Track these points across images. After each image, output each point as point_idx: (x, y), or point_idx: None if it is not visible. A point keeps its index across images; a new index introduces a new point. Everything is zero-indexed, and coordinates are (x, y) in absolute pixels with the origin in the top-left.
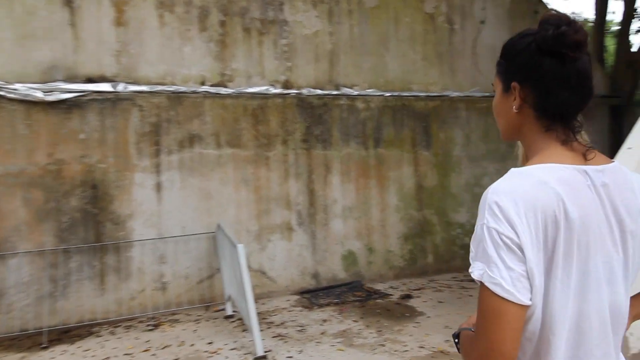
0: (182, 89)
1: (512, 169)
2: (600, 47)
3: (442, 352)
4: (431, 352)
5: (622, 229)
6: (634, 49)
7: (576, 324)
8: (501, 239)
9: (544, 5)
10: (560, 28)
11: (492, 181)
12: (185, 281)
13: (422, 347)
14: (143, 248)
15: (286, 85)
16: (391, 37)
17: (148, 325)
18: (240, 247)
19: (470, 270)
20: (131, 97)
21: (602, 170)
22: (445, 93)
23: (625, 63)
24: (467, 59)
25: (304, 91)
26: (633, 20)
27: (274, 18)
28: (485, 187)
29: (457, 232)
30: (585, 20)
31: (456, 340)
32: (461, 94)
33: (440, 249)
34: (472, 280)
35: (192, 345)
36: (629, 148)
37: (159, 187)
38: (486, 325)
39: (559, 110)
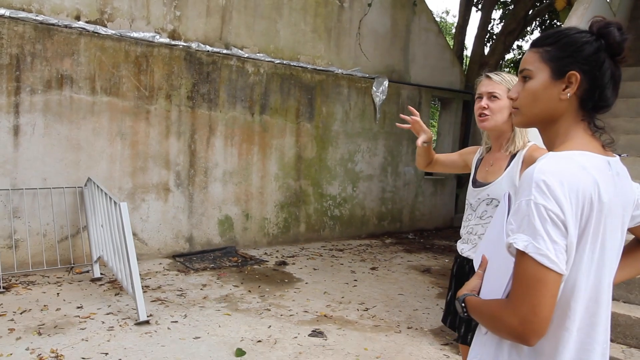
0: (53, 20)
1: (551, 153)
2: (461, 47)
3: (325, 316)
4: (316, 317)
5: (624, 214)
6: (486, 52)
7: (595, 295)
8: (548, 215)
9: None
10: (623, 36)
11: (364, 158)
12: (44, 239)
13: (306, 311)
14: None
15: (173, 35)
16: (284, 4)
17: None
18: (124, 206)
19: (511, 240)
20: None
21: (616, 162)
22: (330, 68)
23: (478, 64)
24: (352, 38)
25: (193, 45)
26: (488, 27)
27: None
28: (357, 163)
29: (328, 204)
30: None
31: (463, 304)
32: (344, 72)
33: (312, 219)
34: (341, 250)
35: (58, 309)
36: None
37: (16, 130)
38: (528, 291)
39: (601, 105)
